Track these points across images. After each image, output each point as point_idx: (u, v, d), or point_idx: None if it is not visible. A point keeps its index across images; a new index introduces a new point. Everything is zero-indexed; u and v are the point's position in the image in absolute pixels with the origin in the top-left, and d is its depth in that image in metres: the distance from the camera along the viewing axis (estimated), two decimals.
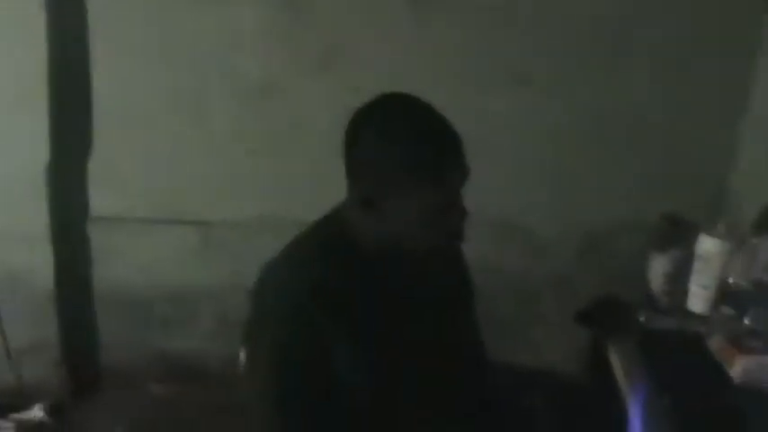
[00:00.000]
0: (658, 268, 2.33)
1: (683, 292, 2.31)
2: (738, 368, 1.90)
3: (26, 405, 3.18)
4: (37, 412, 3.16)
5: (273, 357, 1.51)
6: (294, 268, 1.57)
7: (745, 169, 2.92)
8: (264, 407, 1.51)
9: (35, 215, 3.06)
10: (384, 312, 1.56)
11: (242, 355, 1.63)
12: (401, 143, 1.47)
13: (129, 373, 3.32)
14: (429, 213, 1.49)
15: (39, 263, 3.12)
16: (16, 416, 3.13)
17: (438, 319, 1.67)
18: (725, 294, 2.22)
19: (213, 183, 3.13)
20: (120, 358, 3.35)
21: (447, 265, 1.72)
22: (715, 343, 2.03)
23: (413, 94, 1.53)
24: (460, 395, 1.69)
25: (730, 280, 2.21)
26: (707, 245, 2.25)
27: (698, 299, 2.28)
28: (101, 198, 3.17)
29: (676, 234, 2.33)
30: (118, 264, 3.24)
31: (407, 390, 1.58)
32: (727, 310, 2.20)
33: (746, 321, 2.13)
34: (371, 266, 1.57)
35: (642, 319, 2.23)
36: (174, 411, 3.14)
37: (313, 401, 1.50)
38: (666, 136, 2.99)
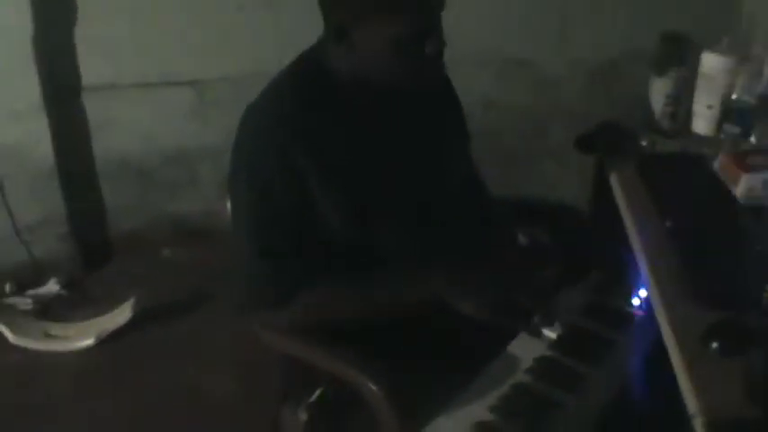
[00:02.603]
0: (660, 90, 2.25)
1: (687, 114, 2.27)
2: (743, 187, 1.83)
3: (41, 280, 3.22)
4: (52, 286, 3.21)
5: (252, 194, 1.52)
6: (270, 107, 1.56)
7: None
8: (246, 242, 1.54)
9: (27, 89, 3.00)
10: (363, 150, 1.56)
11: (227, 206, 1.64)
12: None
13: (137, 239, 3.36)
14: (400, 44, 1.44)
15: (36, 137, 3.08)
16: (32, 291, 3.19)
17: (424, 157, 1.66)
18: (730, 113, 2.16)
19: (204, 40, 3.06)
20: (127, 226, 3.38)
21: (434, 103, 1.69)
22: (719, 163, 1.98)
23: None
24: (455, 233, 1.69)
25: (734, 97, 2.15)
26: (710, 62, 2.18)
27: (702, 120, 2.24)
28: (92, 67, 3.10)
29: (677, 53, 2.25)
30: (115, 132, 3.21)
31: (392, 230, 1.60)
32: (732, 129, 2.15)
33: (752, 139, 2.10)
34: (349, 102, 1.55)
35: (644, 142, 2.18)
36: (185, 273, 3.23)
37: (293, 234, 1.52)
38: None
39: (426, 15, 1.46)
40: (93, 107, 3.17)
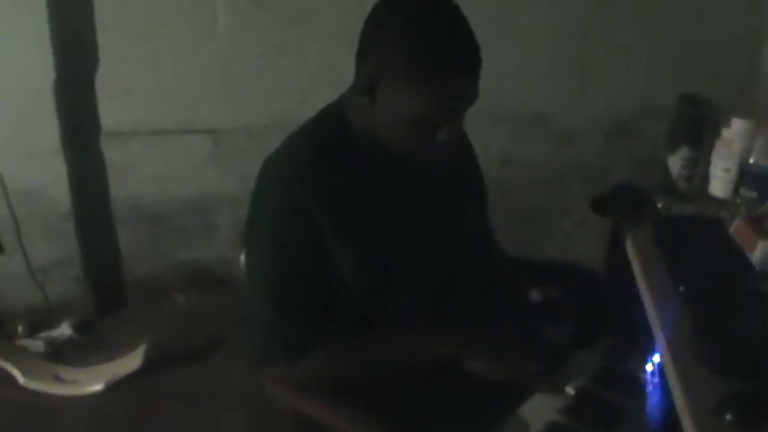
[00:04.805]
0: (677, 152, 2.25)
1: (704, 177, 2.25)
2: (760, 252, 1.79)
3: (54, 323, 3.22)
4: (65, 329, 3.20)
5: (268, 248, 1.51)
6: (289, 161, 1.54)
7: None
8: (261, 295, 1.52)
9: (47, 132, 3.02)
10: (380, 206, 1.56)
11: (242, 258, 1.64)
12: (409, 32, 1.36)
13: (152, 285, 3.35)
14: (416, 120, 1.40)
15: (54, 180, 3.09)
16: (45, 334, 3.18)
17: (441, 215, 1.65)
18: (746, 177, 2.15)
19: (223, 88, 3.08)
20: (142, 271, 3.38)
21: (452, 162, 1.59)
22: (735, 228, 1.96)
23: None
24: (469, 292, 1.70)
25: (751, 161, 2.14)
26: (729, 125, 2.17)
27: (719, 182, 2.23)
28: (111, 112, 3.12)
29: (696, 116, 2.23)
30: (132, 177, 3.22)
31: (406, 286, 1.59)
32: (748, 193, 2.14)
33: None
34: (368, 159, 1.53)
35: (660, 205, 2.16)
36: (198, 320, 3.22)
37: (309, 290, 1.51)
38: (692, 13, 2.96)
39: (453, 104, 1.41)
40: (112, 152, 3.18)
